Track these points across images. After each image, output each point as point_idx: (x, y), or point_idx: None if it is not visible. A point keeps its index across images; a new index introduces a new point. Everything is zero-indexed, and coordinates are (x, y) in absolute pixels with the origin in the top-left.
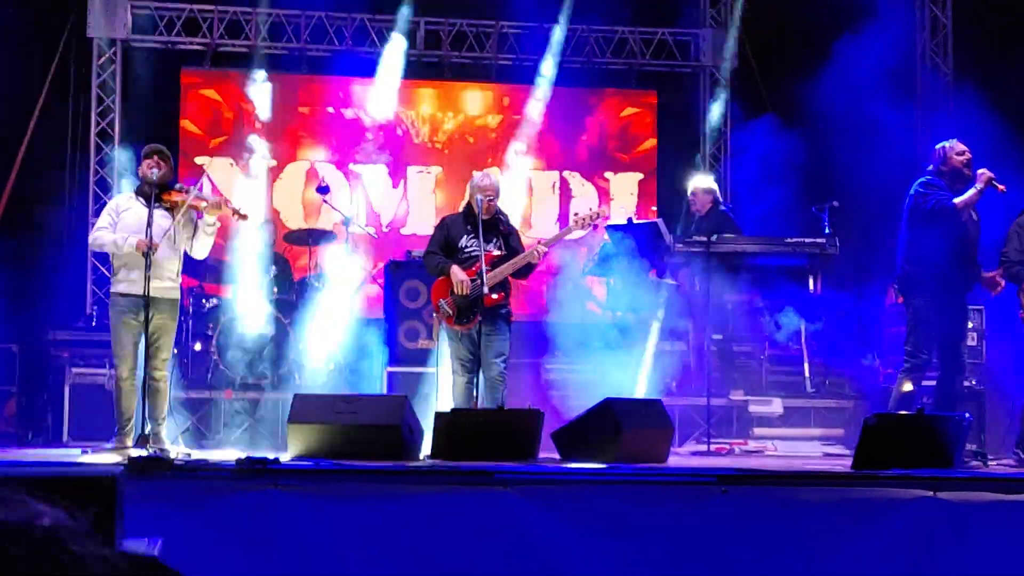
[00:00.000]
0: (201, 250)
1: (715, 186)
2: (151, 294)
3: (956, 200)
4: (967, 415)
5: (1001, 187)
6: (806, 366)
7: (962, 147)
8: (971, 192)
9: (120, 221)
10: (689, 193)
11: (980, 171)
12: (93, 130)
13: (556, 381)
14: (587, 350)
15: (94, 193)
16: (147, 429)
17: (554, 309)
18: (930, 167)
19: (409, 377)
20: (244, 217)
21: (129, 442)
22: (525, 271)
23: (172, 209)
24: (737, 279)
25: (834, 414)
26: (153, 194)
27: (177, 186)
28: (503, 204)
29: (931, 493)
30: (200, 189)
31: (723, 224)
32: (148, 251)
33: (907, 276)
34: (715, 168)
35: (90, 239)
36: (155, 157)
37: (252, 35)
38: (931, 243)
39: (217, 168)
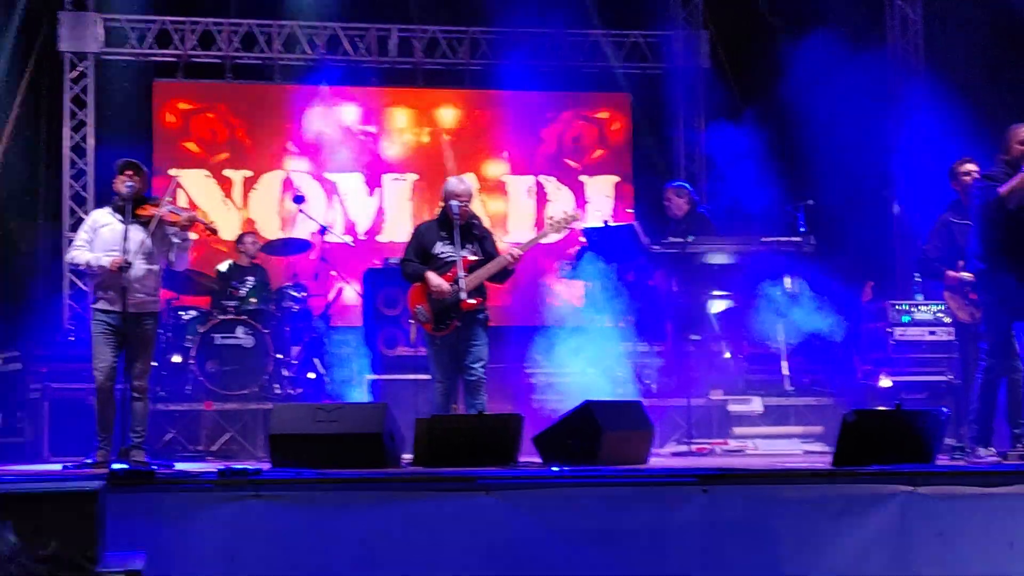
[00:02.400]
0: (180, 263)
1: (689, 188)
2: (130, 309)
3: (1001, 189)
4: (945, 409)
5: None
6: (784, 364)
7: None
8: (1018, 178)
9: (97, 237)
10: (664, 198)
11: None
12: (66, 144)
13: (536, 385)
14: (566, 353)
15: (69, 208)
16: (128, 442)
17: (532, 313)
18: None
19: (389, 384)
20: (215, 231)
21: (109, 455)
22: (501, 276)
23: (148, 223)
24: (714, 279)
25: (814, 412)
26: (128, 208)
27: (152, 199)
28: (476, 208)
29: (911, 488)
30: (173, 197)
31: (701, 225)
32: (122, 268)
33: (975, 273)
34: (690, 169)
35: (67, 257)
36: (129, 172)
37: (224, 46)
38: (988, 236)
39: (193, 180)
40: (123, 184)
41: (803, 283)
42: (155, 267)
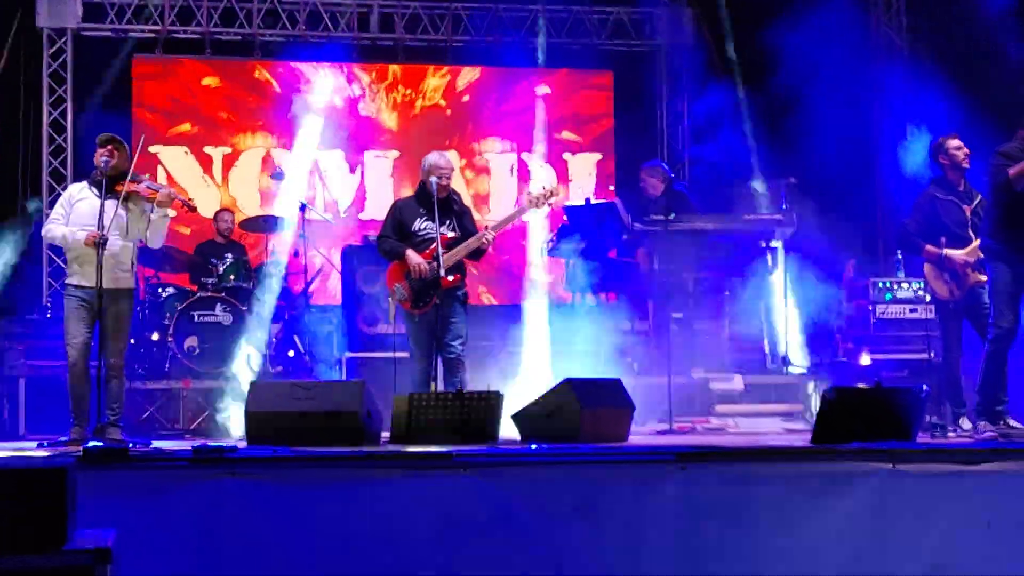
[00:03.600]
0: (156, 240)
1: (663, 167)
2: (105, 285)
3: (1010, 172)
4: (924, 387)
5: None
6: (766, 343)
7: None
8: None
9: (73, 212)
10: (639, 179)
11: None
12: (45, 121)
13: (516, 363)
14: (546, 331)
15: (48, 184)
16: (103, 419)
17: (512, 291)
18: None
19: (368, 362)
20: (193, 208)
21: (84, 433)
22: (476, 254)
23: (126, 199)
24: (696, 257)
25: (794, 389)
26: (105, 183)
27: (131, 175)
28: (458, 185)
29: (890, 465)
30: (152, 178)
31: (679, 203)
32: (98, 243)
33: (984, 249)
34: (673, 147)
35: (43, 232)
36: (109, 147)
37: (204, 22)
38: (997, 211)
39: (172, 156)
40: (102, 159)
41: (785, 261)
42: (131, 243)
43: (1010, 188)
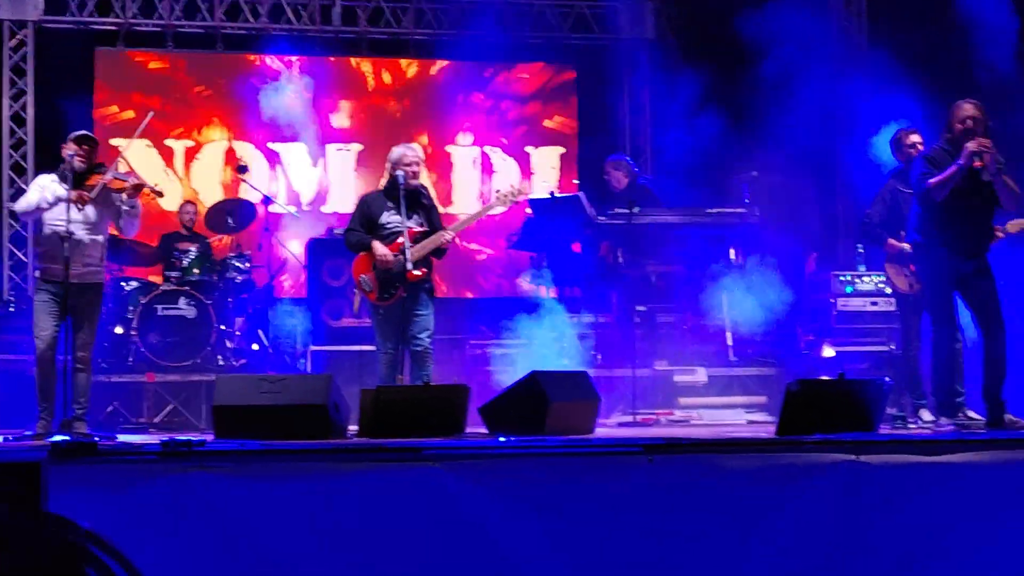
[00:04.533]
0: (130, 228)
1: (628, 161)
2: (74, 279)
3: (932, 181)
4: (887, 379)
5: (978, 163)
6: (728, 335)
7: (967, 109)
8: (947, 173)
9: (44, 196)
10: (604, 172)
11: (977, 141)
12: (6, 113)
13: (482, 356)
14: (513, 325)
15: (8, 177)
16: (70, 413)
17: (479, 284)
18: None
19: (333, 355)
20: (160, 195)
21: (51, 426)
22: (437, 253)
23: (93, 191)
24: (659, 250)
25: (757, 382)
26: (72, 177)
27: (97, 167)
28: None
29: (854, 457)
30: (116, 169)
31: (643, 197)
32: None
33: (913, 245)
34: (635, 140)
35: (17, 205)
36: (84, 147)
37: (166, 14)
38: (924, 210)
39: (133, 150)
40: (77, 158)
41: (747, 254)
42: (100, 237)
43: (930, 197)
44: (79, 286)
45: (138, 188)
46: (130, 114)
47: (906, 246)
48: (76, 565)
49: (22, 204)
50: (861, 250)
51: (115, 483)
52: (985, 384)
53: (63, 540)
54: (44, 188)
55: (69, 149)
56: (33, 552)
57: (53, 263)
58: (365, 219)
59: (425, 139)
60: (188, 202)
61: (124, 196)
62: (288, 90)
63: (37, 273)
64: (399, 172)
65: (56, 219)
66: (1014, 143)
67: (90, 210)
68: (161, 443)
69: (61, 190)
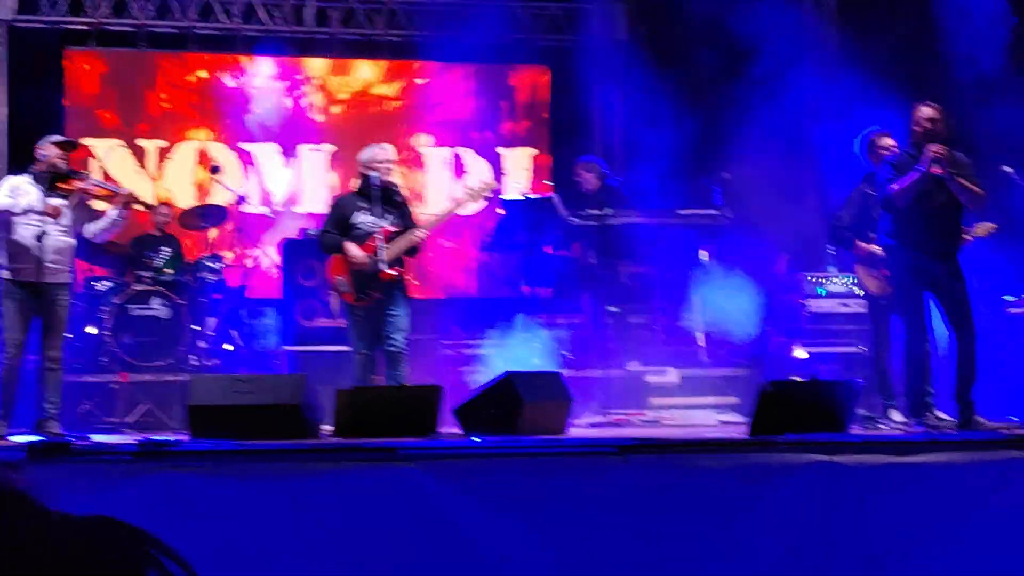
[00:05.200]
0: (102, 237)
1: (598, 162)
2: (45, 279)
3: (894, 187)
4: (859, 380)
5: (936, 169)
6: (700, 336)
7: (925, 112)
8: (908, 180)
9: (16, 202)
10: (574, 173)
11: (929, 148)
12: None
13: (456, 356)
14: (486, 325)
15: None
16: (43, 414)
17: (452, 285)
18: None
19: (307, 356)
20: (151, 208)
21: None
22: (411, 252)
23: (67, 196)
24: (631, 251)
25: (728, 383)
26: (49, 180)
27: (75, 173)
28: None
29: (826, 457)
30: (91, 176)
31: (614, 198)
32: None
33: (884, 248)
34: (607, 142)
35: None
36: (70, 154)
37: (138, 14)
38: (890, 215)
39: (105, 149)
40: (60, 160)
41: (718, 256)
42: (72, 240)
43: (893, 203)
44: (51, 286)
45: (129, 202)
46: (104, 114)
47: (876, 248)
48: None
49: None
50: (832, 251)
51: (90, 483)
52: (955, 385)
53: (117, 543)
54: (16, 190)
55: (48, 151)
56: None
57: (25, 264)
58: (339, 220)
59: (397, 139)
60: (162, 203)
61: (115, 209)
62: (260, 90)
63: (6, 274)
64: (372, 172)
65: (29, 221)
66: (1001, 139)
67: (66, 213)
68: (137, 443)
69: (34, 192)
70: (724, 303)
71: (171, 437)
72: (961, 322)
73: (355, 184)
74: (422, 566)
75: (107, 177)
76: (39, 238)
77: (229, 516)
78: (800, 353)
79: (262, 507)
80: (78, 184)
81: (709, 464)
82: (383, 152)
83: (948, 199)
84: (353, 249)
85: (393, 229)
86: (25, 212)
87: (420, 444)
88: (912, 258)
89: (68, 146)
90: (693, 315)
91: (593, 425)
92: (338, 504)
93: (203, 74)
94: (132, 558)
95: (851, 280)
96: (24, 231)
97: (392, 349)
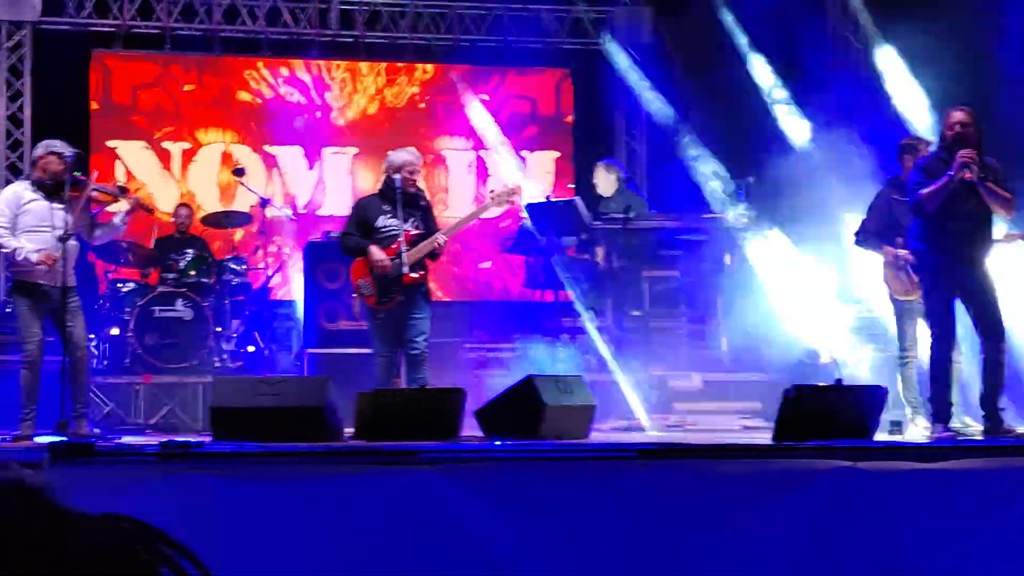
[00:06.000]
0: (104, 240)
1: (619, 165)
2: (56, 283)
3: (923, 192)
4: (883, 386)
5: (968, 175)
6: (724, 340)
7: (956, 116)
8: (937, 184)
9: (23, 214)
10: (594, 176)
11: (960, 153)
12: (3, 114)
13: (479, 360)
14: (509, 329)
15: (5, 178)
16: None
17: (476, 288)
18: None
19: (330, 358)
20: (150, 211)
21: (34, 428)
22: (432, 255)
23: (71, 202)
24: (654, 255)
25: (752, 388)
26: (49, 189)
27: (78, 180)
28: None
29: (850, 463)
30: (94, 182)
31: (631, 202)
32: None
33: (914, 252)
34: (631, 145)
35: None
36: (76, 167)
37: (164, 16)
38: (920, 220)
39: (130, 152)
40: (61, 169)
41: (742, 258)
42: (75, 243)
43: (921, 207)
44: (60, 289)
45: (133, 207)
46: (127, 116)
47: (903, 252)
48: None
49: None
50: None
51: (113, 485)
52: (982, 391)
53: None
54: (15, 202)
55: (47, 160)
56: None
57: (37, 267)
58: (361, 222)
59: (421, 142)
60: (181, 205)
61: (118, 214)
62: (285, 93)
63: (21, 278)
64: (397, 176)
65: (41, 227)
66: None
67: (70, 219)
68: (160, 444)
69: (36, 200)
70: (748, 307)
71: (193, 439)
72: (990, 327)
73: (378, 187)
74: (441, 569)
75: (130, 177)
76: (64, 242)
77: (250, 518)
78: (825, 358)
79: (283, 509)
80: (80, 192)
81: (730, 470)
82: (408, 155)
83: (978, 204)
84: (376, 252)
85: (416, 232)
86: (30, 230)
87: (441, 447)
88: (942, 263)
89: (67, 155)
90: (717, 319)
91: (616, 429)
92: (358, 507)
93: (228, 77)
94: (145, 556)
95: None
96: (43, 235)
97: (414, 352)
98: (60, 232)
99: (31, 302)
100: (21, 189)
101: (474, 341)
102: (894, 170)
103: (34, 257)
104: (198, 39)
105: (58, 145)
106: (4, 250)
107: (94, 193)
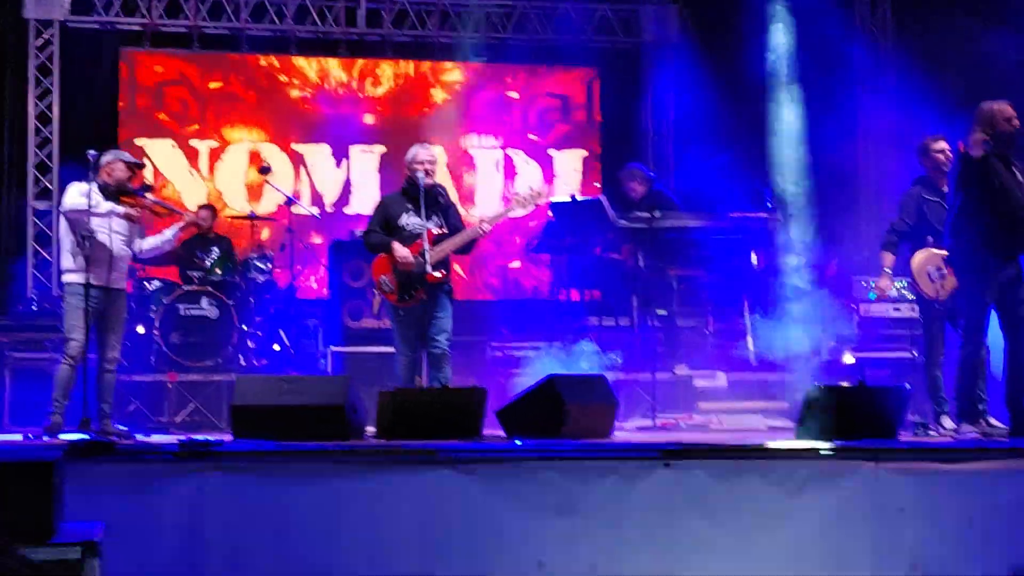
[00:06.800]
0: (150, 253)
1: (642, 169)
2: (113, 285)
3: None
4: (908, 386)
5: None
6: (750, 340)
7: (1010, 111)
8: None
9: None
10: (621, 184)
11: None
12: (32, 112)
13: (501, 359)
14: (534, 328)
15: (34, 176)
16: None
17: (502, 287)
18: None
19: (353, 356)
20: (199, 228)
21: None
22: (468, 247)
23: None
24: (680, 254)
25: (778, 387)
26: (114, 195)
27: (134, 191)
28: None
29: (874, 464)
30: (153, 193)
31: (661, 202)
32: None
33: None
34: (658, 144)
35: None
36: (139, 172)
37: (191, 14)
38: (968, 214)
39: (158, 150)
40: (127, 178)
41: (769, 259)
42: (129, 251)
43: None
44: (115, 291)
45: (186, 225)
46: (155, 114)
47: (936, 251)
48: None
49: (69, 203)
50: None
51: (132, 482)
52: (1008, 392)
53: None
54: (88, 196)
55: (115, 167)
56: None
57: (98, 268)
58: (384, 220)
59: (448, 140)
60: (203, 206)
61: (170, 229)
62: (312, 92)
63: (76, 277)
64: (418, 172)
65: (101, 228)
66: None
67: (127, 226)
68: (178, 443)
69: (103, 202)
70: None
71: (213, 437)
72: (1019, 327)
73: (402, 184)
74: (461, 568)
75: (157, 175)
76: (111, 246)
77: (269, 517)
78: (848, 358)
79: (303, 508)
80: (142, 202)
81: (753, 469)
82: (424, 151)
83: (1017, 202)
84: (400, 249)
85: (439, 231)
86: (108, 214)
87: (462, 446)
88: (982, 261)
89: (136, 167)
90: (742, 319)
91: (640, 429)
92: (379, 505)
93: (255, 75)
94: None
95: (903, 284)
96: (102, 237)
97: (436, 351)
98: (120, 237)
99: (85, 304)
100: (88, 188)
101: (497, 340)
102: (918, 171)
103: (169, 234)
104: (225, 37)
105: (127, 155)
106: (152, 250)
107: (154, 206)
